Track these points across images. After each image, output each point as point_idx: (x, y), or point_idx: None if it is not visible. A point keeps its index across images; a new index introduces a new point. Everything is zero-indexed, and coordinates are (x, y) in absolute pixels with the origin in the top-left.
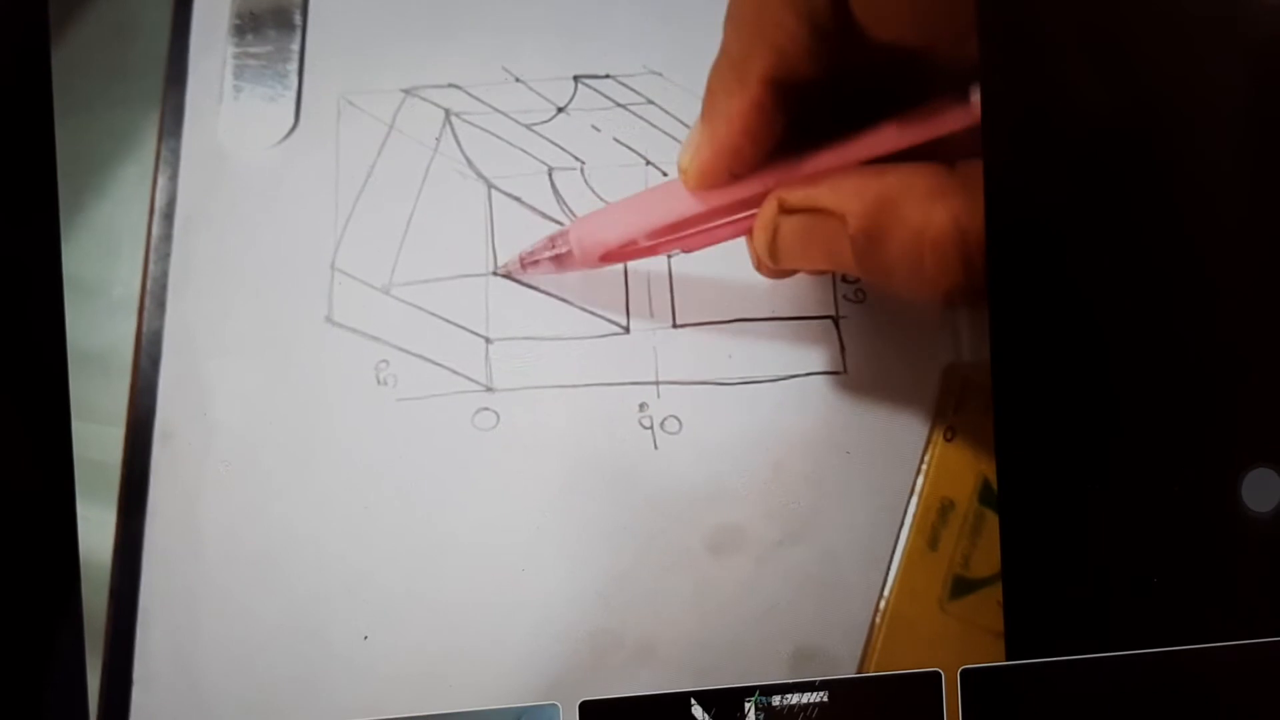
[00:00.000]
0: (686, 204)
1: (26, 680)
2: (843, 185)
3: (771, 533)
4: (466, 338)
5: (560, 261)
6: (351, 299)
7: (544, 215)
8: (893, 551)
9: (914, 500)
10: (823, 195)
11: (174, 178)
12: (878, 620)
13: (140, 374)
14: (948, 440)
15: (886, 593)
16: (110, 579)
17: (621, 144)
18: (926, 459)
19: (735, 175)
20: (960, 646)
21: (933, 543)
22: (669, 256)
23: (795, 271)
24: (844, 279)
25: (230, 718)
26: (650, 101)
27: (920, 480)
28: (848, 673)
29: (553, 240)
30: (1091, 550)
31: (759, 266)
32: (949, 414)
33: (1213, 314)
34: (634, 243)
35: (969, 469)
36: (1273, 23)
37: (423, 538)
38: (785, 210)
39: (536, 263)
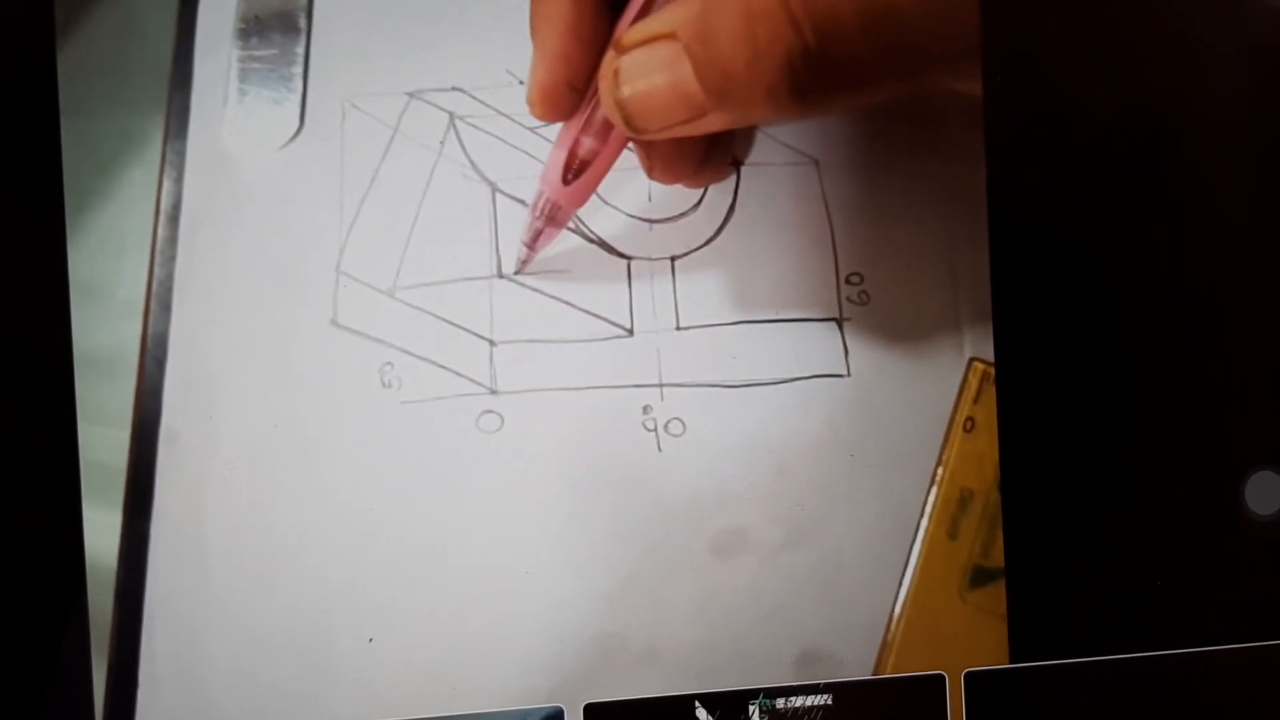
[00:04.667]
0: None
1: (32, 681)
2: (668, 7)
3: (775, 535)
4: (471, 340)
5: (550, 213)
6: (356, 302)
7: None
8: (910, 545)
9: (934, 491)
10: (651, 23)
11: (179, 180)
12: (897, 610)
13: (145, 376)
14: (967, 431)
15: (906, 583)
16: (116, 581)
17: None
18: (946, 450)
19: (574, 88)
20: (979, 636)
21: (952, 533)
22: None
23: (657, 131)
24: (847, 280)
25: (235, 719)
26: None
27: (940, 471)
28: (853, 674)
29: (534, 206)
30: (1095, 553)
31: (625, 129)
32: (969, 405)
33: (1216, 317)
34: (575, 152)
35: (988, 460)
36: (1275, 25)
37: (427, 540)
38: (621, 50)
39: (537, 234)
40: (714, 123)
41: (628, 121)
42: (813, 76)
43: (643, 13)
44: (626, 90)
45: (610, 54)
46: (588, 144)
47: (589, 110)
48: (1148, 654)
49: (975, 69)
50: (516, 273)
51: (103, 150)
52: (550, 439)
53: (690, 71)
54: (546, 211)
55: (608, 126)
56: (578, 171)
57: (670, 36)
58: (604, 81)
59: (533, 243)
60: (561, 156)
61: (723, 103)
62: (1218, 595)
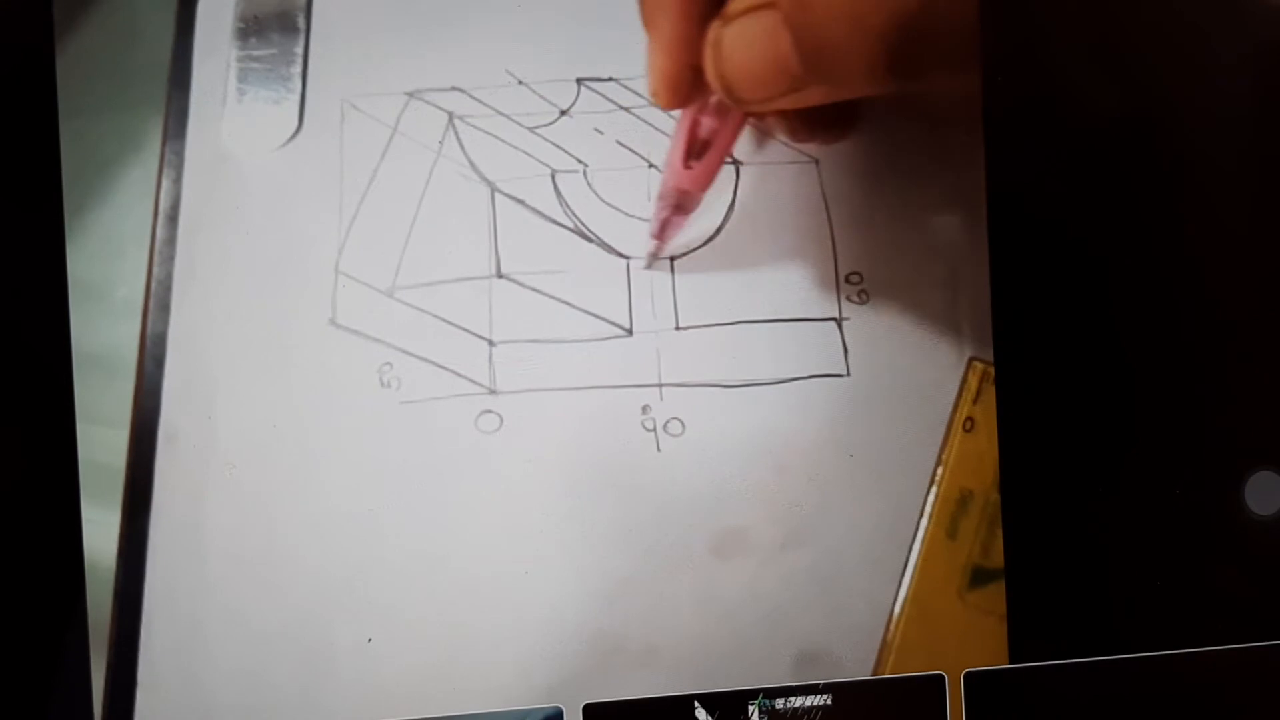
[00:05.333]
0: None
1: (31, 683)
2: None
3: (774, 536)
4: (470, 340)
5: (676, 201)
6: (355, 301)
7: (547, 218)
8: (910, 545)
9: (933, 491)
10: None
11: (178, 181)
12: (896, 611)
13: (144, 376)
14: (966, 431)
15: (905, 583)
16: (115, 581)
17: (624, 146)
18: (946, 450)
19: (696, 69)
20: (979, 636)
21: (952, 533)
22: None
23: (760, 102)
24: (846, 280)
25: (234, 719)
26: (653, 104)
27: (939, 471)
28: (853, 674)
29: (660, 196)
30: (1094, 553)
31: (729, 100)
32: (968, 405)
33: (1217, 317)
34: (695, 134)
35: (988, 460)
36: (1275, 23)
37: (426, 540)
38: (726, 21)
39: (664, 223)
40: (815, 95)
41: (729, 93)
42: (911, 49)
43: None
44: (727, 61)
45: (716, 24)
46: (707, 124)
47: (707, 89)
48: (1147, 654)
49: None
50: (647, 267)
51: (102, 151)
52: (549, 439)
53: (789, 42)
54: (672, 199)
55: (726, 103)
56: (699, 153)
57: (771, 6)
58: (707, 52)
59: (660, 233)
60: (682, 139)
61: (820, 74)
62: (1218, 595)
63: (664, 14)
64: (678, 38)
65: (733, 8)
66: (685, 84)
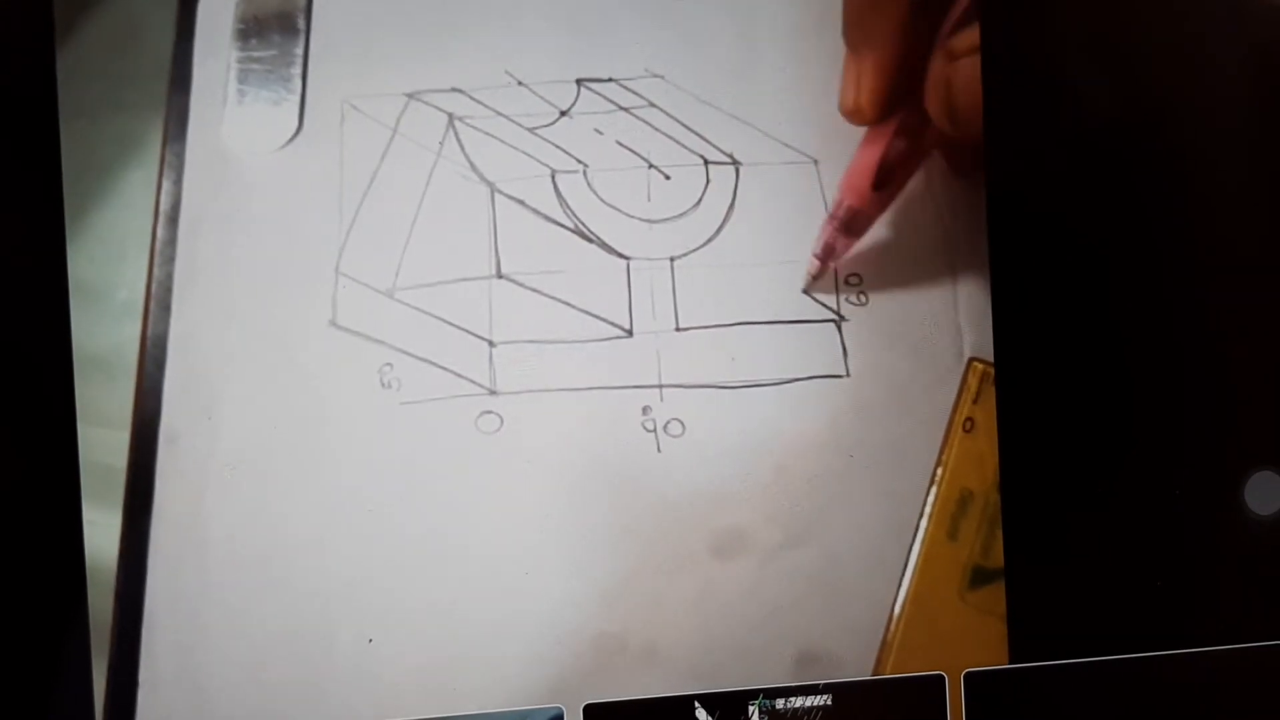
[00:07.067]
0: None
1: (33, 683)
2: None
3: (774, 536)
4: (470, 341)
5: (850, 222)
6: (355, 302)
7: (547, 218)
8: (909, 546)
9: (933, 491)
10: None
11: (178, 182)
12: (897, 611)
13: (145, 377)
14: (966, 431)
15: (906, 583)
16: (116, 582)
17: (624, 147)
18: (946, 450)
19: (905, 90)
20: (979, 636)
21: (952, 533)
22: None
23: (976, 134)
24: (845, 281)
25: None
26: (652, 104)
27: (940, 471)
28: (853, 674)
29: (831, 217)
30: (1094, 553)
31: (953, 131)
32: (968, 405)
33: (1217, 317)
34: (887, 156)
35: (988, 460)
36: (1275, 23)
37: (426, 541)
38: (953, 57)
39: (831, 245)
40: None
41: (956, 125)
42: None
43: (964, 16)
44: (962, 94)
45: (940, 60)
46: (900, 146)
47: (902, 113)
48: (1148, 654)
49: None
50: (806, 290)
51: (102, 152)
52: (550, 440)
53: None
54: (845, 219)
55: (920, 128)
56: (887, 177)
57: None
58: (936, 89)
59: (827, 254)
60: (873, 161)
61: None
62: (1218, 595)
63: (881, 37)
64: (896, 61)
65: (959, 43)
66: (891, 104)
